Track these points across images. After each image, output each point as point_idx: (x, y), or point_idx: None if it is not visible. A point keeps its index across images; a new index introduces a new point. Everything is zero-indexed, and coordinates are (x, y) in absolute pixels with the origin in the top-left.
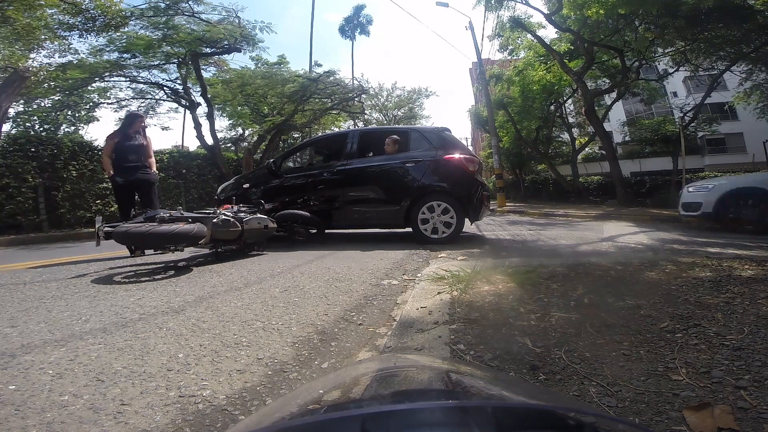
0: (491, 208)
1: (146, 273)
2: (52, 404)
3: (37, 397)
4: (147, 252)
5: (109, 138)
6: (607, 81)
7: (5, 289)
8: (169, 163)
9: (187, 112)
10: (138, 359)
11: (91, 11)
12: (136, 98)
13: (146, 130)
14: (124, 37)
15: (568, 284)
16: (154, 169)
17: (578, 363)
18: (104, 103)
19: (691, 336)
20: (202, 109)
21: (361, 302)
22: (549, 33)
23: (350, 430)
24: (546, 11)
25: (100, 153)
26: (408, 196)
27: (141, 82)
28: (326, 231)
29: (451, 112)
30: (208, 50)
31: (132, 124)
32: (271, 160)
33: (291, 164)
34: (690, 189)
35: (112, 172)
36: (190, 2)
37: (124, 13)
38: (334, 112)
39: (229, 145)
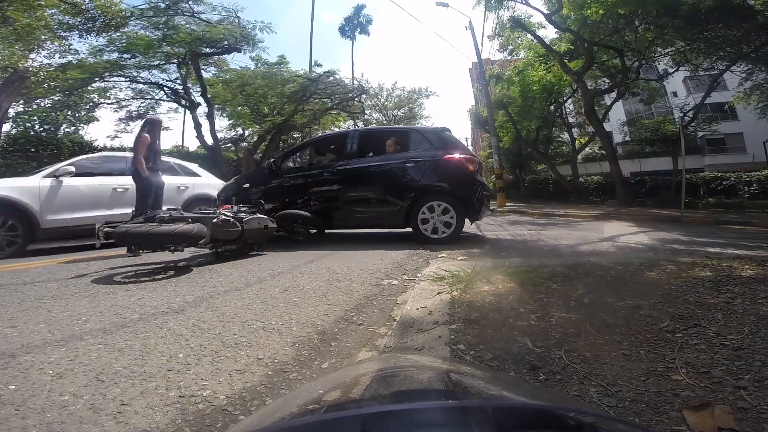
0: (491, 208)
1: (146, 273)
2: (52, 404)
3: (37, 397)
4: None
5: (144, 139)
6: (607, 81)
7: (5, 289)
8: None
9: (187, 112)
10: (138, 359)
11: (91, 11)
12: (136, 98)
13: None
14: (124, 37)
15: (568, 284)
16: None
17: (578, 363)
18: (104, 103)
19: (691, 336)
20: (202, 109)
21: (361, 302)
22: (549, 33)
23: (350, 430)
24: (546, 11)
25: (99, 153)
26: (408, 196)
27: (141, 82)
28: (326, 231)
29: (451, 112)
30: (208, 50)
31: (156, 129)
32: (271, 160)
33: (291, 164)
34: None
35: (147, 174)
36: (190, 2)
37: (124, 13)
38: (334, 112)
39: (229, 145)
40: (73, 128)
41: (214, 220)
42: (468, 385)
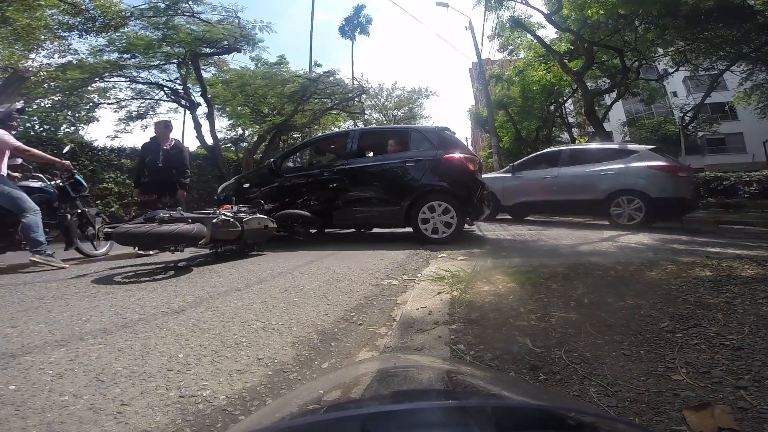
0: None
1: (146, 273)
2: (53, 404)
3: (37, 397)
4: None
5: None
6: (607, 81)
7: (5, 289)
8: None
9: (187, 112)
10: (138, 359)
11: (91, 11)
12: (136, 98)
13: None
14: (124, 37)
15: (568, 284)
16: None
17: (578, 363)
18: (104, 103)
19: (691, 336)
20: (202, 110)
21: (362, 302)
22: (549, 33)
23: (350, 430)
24: (546, 11)
25: (99, 153)
26: (408, 196)
27: (141, 83)
28: (326, 231)
29: (451, 112)
30: (208, 50)
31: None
32: (272, 160)
33: (291, 164)
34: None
35: None
36: (189, 2)
37: (123, 13)
38: (334, 112)
39: (229, 145)
40: (73, 128)
41: (214, 220)
42: (468, 385)
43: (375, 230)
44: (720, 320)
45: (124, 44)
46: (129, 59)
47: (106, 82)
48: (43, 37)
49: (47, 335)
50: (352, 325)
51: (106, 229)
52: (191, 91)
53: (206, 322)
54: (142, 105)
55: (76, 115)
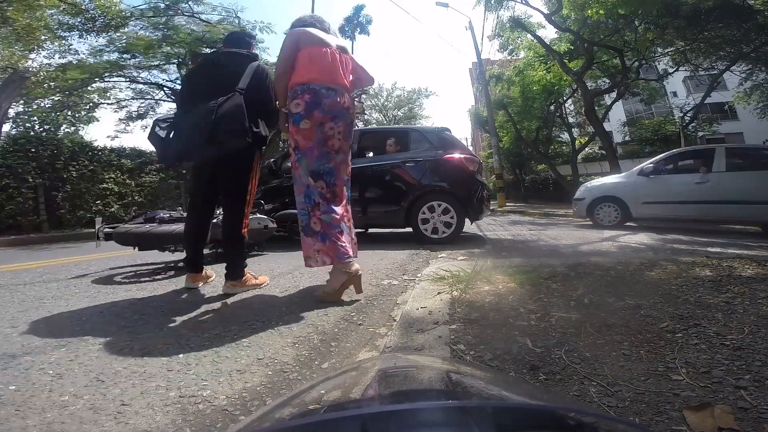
0: (491, 208)
1: (146, 273)
2: (53, 404)
3: (37, 397)
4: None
5: None
6: (607, 81)
7: (5, 289)
8: None
9: None
10: (138, 359)
11: (91, 11)
12: (136, 98)
13: None
14: (124, 37)
15: (568, 284)
16: None
17: (578, 363)
18: (104, 103)
19: (691, 336)
20: None
21: (361, 302)
22: (549, 33)
23: (350, 430)
24: (546, 11)
25: (99, 153)
26: (408, 196)
27: (141, 83)
28: None
29: (451, 112)
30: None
31: None
32: (272, 160)
33: (291, 164)
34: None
35: None
36: (189, 2)
37: (124, 13)
38: None
39: None
40: (73, 128)
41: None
42: (468, 385)
43: (374, 230)
44: (720, 320)
45: (124, 44)
46: (129, 59)
47: (106, 82)
48: (43, 37)
49: (47, 335)
50: (352, 325)
51: (106, 229)
52: None
53: (207, 322)
54: (142, 105)
55: (76, 115)
